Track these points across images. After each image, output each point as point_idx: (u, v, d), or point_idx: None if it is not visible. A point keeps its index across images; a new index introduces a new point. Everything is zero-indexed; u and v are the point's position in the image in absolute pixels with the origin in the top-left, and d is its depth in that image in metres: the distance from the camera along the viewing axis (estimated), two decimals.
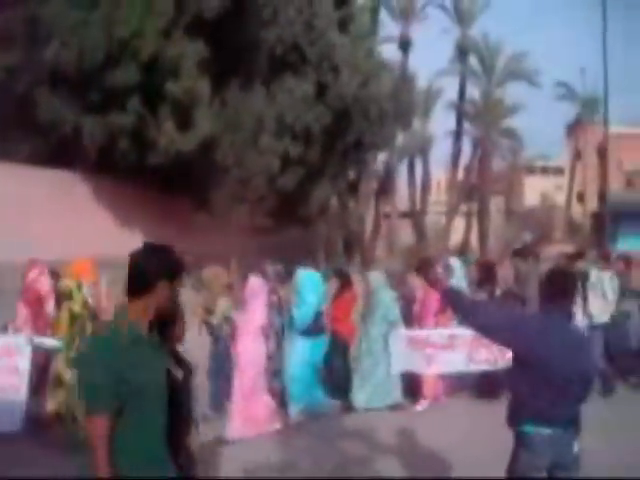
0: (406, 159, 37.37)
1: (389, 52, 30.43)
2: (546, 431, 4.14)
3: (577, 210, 52.83)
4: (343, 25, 21.80)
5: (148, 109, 17.86)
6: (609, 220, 27.92)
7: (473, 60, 38.04)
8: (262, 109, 19.94)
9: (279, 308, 8.90)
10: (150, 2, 16.95)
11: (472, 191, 40.65)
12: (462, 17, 36.52)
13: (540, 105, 71.76)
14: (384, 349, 8.83)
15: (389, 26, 33.41)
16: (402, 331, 8.98)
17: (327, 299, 9.49)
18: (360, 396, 8.80)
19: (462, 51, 36.89)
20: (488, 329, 4.40)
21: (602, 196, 49.20)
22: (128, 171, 19.02)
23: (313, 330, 8.71)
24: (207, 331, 8.73)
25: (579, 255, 10.94)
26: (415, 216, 38.23)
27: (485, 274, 10.12)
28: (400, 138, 32.28)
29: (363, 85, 21.67)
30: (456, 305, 4.61)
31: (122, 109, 17.68)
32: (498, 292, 9.89)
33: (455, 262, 10.13)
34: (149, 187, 20.13)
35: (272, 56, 19.91)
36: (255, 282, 8.16)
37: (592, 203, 50.99)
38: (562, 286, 4.30)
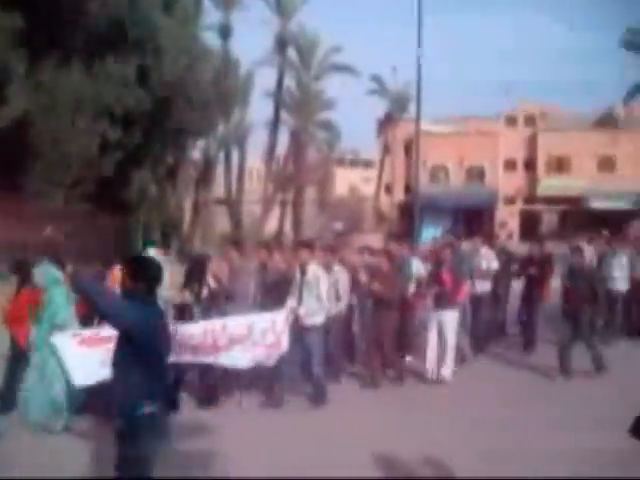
0: (223, 147, 37.28)
1: (210, 40, 30.10)
2: (157, 407, 4.53)
3: (385, 201, 55.29)
4: (167, 8, 21.31)
5: None
6: (415, 211, 29.23)
7: (292, 52, 38.66)
8: (80, 89, 19.05)
9: None
10: None
11: (288, 181, 41.29)
12: (282, 9, 36.94)
13: (352, 99, 74.27)
14: (50, 359, 7.59)
15: (210, 13, 32.97)
16: (69, 333, 7.65)
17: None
18: (29, 413, 7.64)
19: (281, 43, 37.33)
20: (111, 316, 4.52)
21: (408, 188, 51.99)
22: None
23: None
24: None
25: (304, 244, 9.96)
26: (231, 204, 38.24)
27: (195, 269, 9.40)
28: (219, 126, 32.16)
29: (186, 70, 21.34)
30: (85, 291, 4.57)
31: None
32: (205, 290, 9.00)
33: (156, 254, 9.12)
34: None
35: (93, 34, 19.05)
36: None
37: (399, 195, 53.64)
38: (144, 272, 4.66)
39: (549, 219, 49.25)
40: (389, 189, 55.42)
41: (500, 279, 12.49)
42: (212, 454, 6.88)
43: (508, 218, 50.50)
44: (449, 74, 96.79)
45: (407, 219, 41.91)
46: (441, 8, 76.63)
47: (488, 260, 12.02)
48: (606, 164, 48.15)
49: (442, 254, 10.57)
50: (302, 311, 8.74)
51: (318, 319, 8.90)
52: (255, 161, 45.70)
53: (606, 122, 50.24)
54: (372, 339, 10.02)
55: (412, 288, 10.73)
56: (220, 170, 36.71)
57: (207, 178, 32.68)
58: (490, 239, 13.62)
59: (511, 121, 52.99)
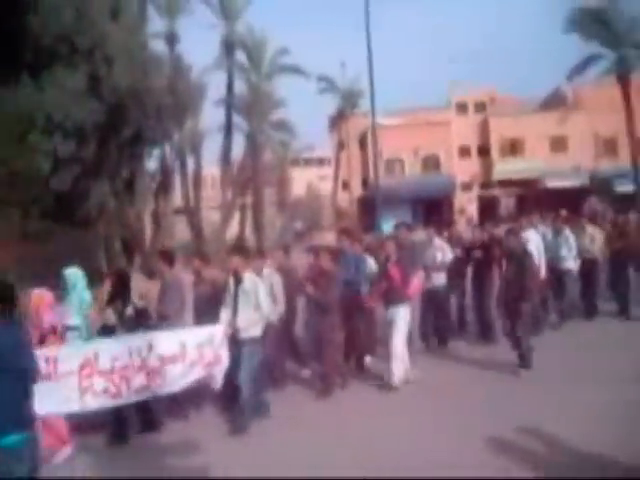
0: (178, 155, 36.68)
1: (159, 47, 29.49)
2: (26, 435, 4.26)
3: (343, 197, 55.29)
4: (113, 16, 20.76)
5: None
6: (377, 205, 29.14)
7: (241, 55, 38.25)
8: (30, 105, 18.41)
9: None
10: None
11: (246, 185, 40.88)
12: (227, 12, 36.51)
13: (302, 98, 74.22)
14: None
15: (155, 21, 32.32)
16: None
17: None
18: None
19: (228, 46, 36.89)
20: None
21: (365, 183, 52.06)
22: None
23: None
24: None
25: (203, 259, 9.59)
26: (190, 213, 37.68)
27: (119, 286, 8.37)
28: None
29: (139, 77, 20.82)
30: None
31: None
32: (130, 309, 8.17)
33: (75, 273, 8.62)
34: None
35: (39, 47, 18.41)
36: None
37: (356, 190, 53.69)
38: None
39: (507, 202, 49.79)
40: (346, 185, 55.44)
41: (456, 270, 12.09)
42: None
43: (466, 204, 50.94)
44: (397, 67, 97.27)
45: (367, 214, 41.95)
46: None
47: (442, 251, 11.68)
48: (558, 144, 48.82)
49: (387, 248, 10.02)
50: (240, 323, 8.04)
51: (256, 331, 8.19)
52: (211, 167, 45.21)
53: (555, 102, 50.89)
54: (315, 343, 9.58)
55: (367, 286, 10.30)
56: (177, 179, 36.10)
57: (166, 188, 32.09)
58: (444, 229, 13.30)
59: (462, 108, 53.45)
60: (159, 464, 7.09)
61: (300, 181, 63.11)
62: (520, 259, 9.87)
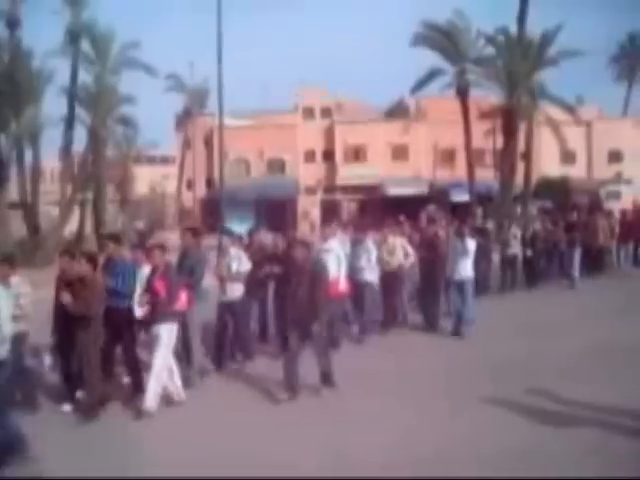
0: (15, 145, 34.64)
1: None
2: None
3: (187, 197, 54.59)
4: None
5: None
6: (221, 206, 28.87)
7: (87, 45, 36.56)
8: None
9: None
10: None
11: (87, 180, 39.33)
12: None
13: (149, 95, 72.31)
14: None
15: None
16: None
17: None
18: None
19: (73, 34, 35.25)
20: None
21: (209, 183, 51.71)
22: None
23: None
24: None
25: None
26: (26, 207, 35.74)
27: None
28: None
29: None
30: None
31: None
32: None
33: None
34: None
35: None
36: None
37: (201, 190, 53.25)
38: None
39: (349, 207, 51.15)
40: (190, 184, 54.90)
41: (253, 281, 11.03)
42: None
43: (310, 208, 51.83)
44: (247, 69, 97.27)
45: (211, 214, 41.60)
46: (243, 5, 76.65)
47: (239, 261, 10.57)
48: (400, 153, 50.88)
49: (152, 258, 9.03)
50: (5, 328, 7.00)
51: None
52: (51, 160, 43.12)
53: (398, 112, 52.91)
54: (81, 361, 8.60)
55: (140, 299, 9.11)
56: (13, 171, 34.07)
57: (0, 180, 30.25)
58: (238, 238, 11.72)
59: (308, 113, 54.33)
60: None
61: (143, 179, 61.72)
62: (311, 273, 9.04)
